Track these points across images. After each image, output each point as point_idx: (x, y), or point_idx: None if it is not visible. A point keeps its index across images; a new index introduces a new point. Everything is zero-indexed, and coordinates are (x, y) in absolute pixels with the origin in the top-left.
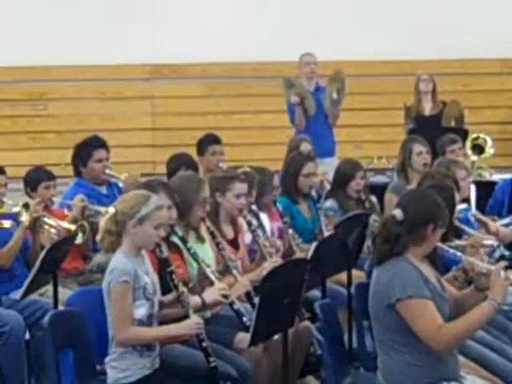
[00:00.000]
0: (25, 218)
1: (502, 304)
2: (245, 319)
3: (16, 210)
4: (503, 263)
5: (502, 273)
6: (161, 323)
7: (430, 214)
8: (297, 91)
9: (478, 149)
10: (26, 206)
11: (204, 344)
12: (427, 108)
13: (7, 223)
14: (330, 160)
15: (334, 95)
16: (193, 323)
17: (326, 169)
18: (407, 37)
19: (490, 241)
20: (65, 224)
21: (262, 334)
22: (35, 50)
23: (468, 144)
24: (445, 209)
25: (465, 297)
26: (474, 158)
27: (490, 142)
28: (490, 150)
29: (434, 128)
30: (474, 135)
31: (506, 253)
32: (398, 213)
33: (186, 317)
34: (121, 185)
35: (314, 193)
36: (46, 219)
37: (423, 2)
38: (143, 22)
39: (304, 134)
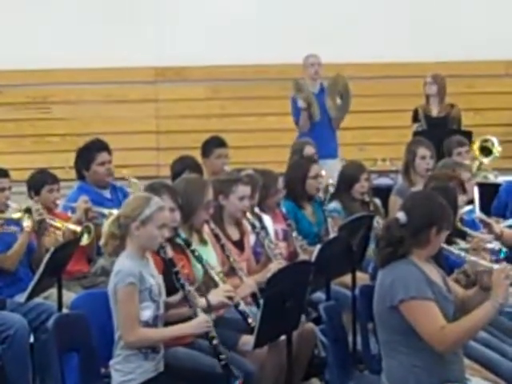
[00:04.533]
0: (27, 223)
1: (504, 303)
2: (250, 320)
3: (18, 215)
4: (508, 265)
5: (505, 271)
6: (166, 324)
7: (433, 217)
8: (304, 96)
9: (485, 151)
10: (27, 210)
11: (214, 342)
12: (434, 110)
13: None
14: (333, 162)
15: (338, 100)
16: (202, 321)
17: (328, 170)
18: (411, 39)
19: (492, 245)
20: (70, 225)
21: (267, 336)
22: (39, 53)
23: (477, 145)
24: (449, 211)
25: (471, 297)
26: (483, 159)
27: (496, 143)
28: (497, 150)
29: (440, 130)
30: (483, 137)
31: (504, 249)
32: (401, 216)
33: (191, 317)
34: (127, 189)
35: (321, 194)
36: (50, 221)
37: (427, 3)
38: (147, 25)
39: (307, 136)
